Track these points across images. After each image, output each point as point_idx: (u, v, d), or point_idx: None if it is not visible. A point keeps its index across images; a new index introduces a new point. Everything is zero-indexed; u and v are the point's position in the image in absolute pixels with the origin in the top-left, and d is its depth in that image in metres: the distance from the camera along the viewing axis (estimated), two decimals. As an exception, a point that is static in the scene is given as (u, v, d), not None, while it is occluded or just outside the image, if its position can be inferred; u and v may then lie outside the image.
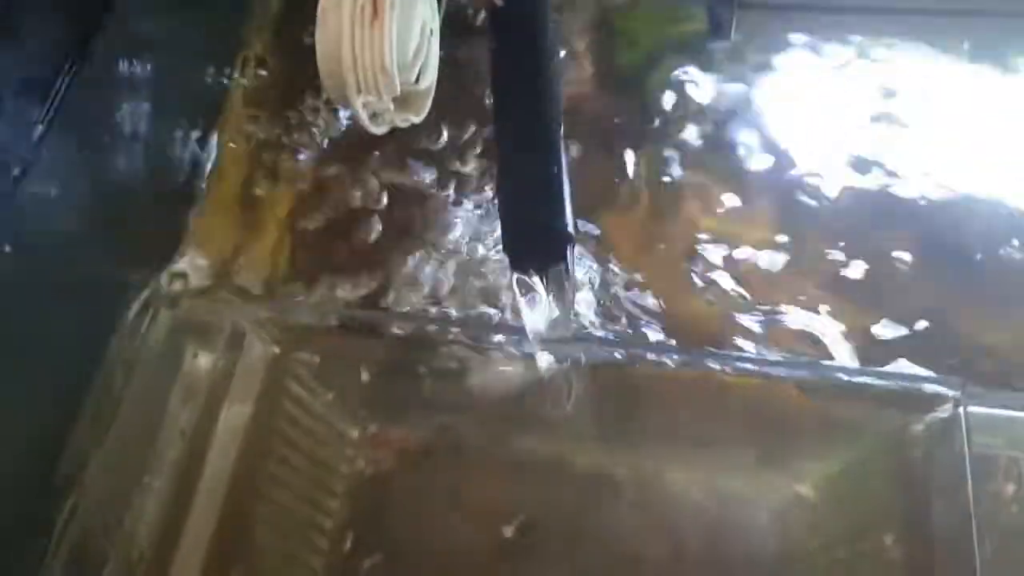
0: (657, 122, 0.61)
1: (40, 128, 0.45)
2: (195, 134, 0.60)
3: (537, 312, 0.48)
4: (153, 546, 0.50)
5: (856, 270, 0.54)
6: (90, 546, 0.49)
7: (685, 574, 0.51)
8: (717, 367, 0.52)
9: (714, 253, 0.55)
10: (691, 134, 0.60)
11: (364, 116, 0.41)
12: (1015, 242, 0.54)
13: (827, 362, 0.51)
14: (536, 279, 0.46)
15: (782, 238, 0.56)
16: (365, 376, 0.56)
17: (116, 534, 0.50)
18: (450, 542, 0.52)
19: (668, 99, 0.61)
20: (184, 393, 0.53)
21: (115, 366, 0.52)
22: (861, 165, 0.58)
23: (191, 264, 0.57)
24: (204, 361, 0.54)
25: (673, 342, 0.52)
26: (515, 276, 0.46)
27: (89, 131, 0.50)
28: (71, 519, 0.48)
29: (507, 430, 0.55)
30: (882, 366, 0.51)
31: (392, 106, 0.41)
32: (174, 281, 0.56)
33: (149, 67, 0.54)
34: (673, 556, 0.51)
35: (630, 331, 0.53)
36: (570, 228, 0.45)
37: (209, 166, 0.61)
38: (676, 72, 0.62)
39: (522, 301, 0.47)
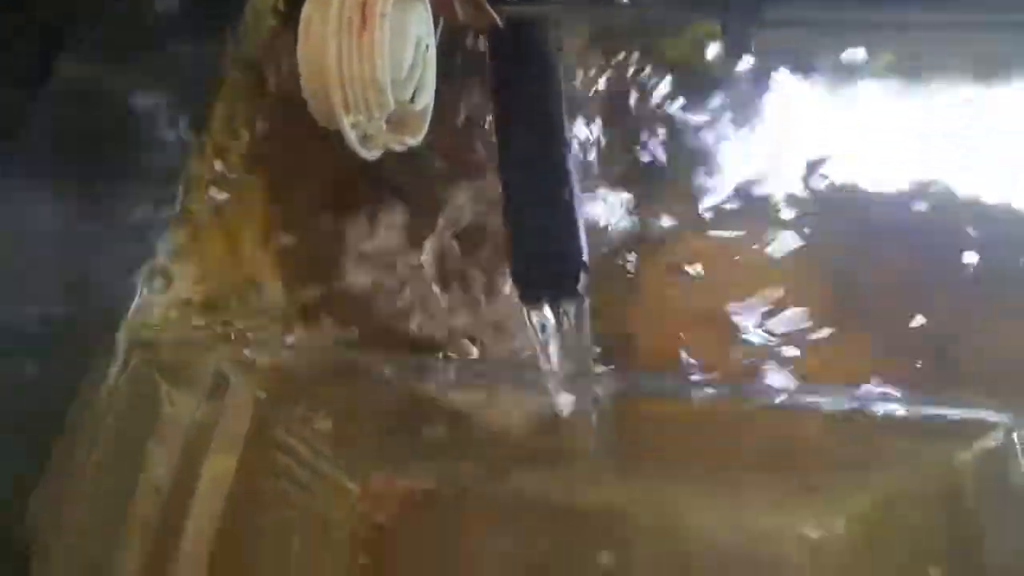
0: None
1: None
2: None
3: (550, 345, 0.44)
4: (129, 616, 0.46)
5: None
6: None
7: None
8: (741, 398, 0.48)
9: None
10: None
11: (353, 138, 0.36)
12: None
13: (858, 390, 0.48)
14: (548, 311, 0.43)
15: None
16: (362, 422, 0.52)
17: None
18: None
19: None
20: (160, 444, 0.49)
21: (84, 415, 0.48)
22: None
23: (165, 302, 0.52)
24: (183, 408, 0.49)
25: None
26: (527, 309, 0.43)
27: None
28: (35, 586, 0.45)
29: (515, 471, 0.53)
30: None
31: (385, 127, 0.37)
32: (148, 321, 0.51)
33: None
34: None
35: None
36: (584, 256, 0.42)
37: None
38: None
39: (534, 334, 0.43)
